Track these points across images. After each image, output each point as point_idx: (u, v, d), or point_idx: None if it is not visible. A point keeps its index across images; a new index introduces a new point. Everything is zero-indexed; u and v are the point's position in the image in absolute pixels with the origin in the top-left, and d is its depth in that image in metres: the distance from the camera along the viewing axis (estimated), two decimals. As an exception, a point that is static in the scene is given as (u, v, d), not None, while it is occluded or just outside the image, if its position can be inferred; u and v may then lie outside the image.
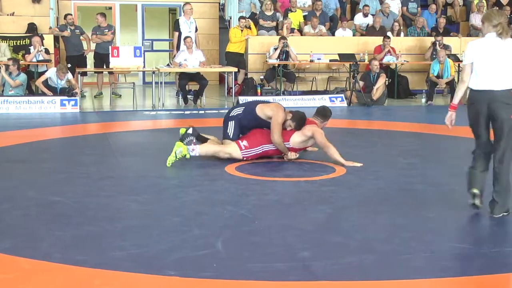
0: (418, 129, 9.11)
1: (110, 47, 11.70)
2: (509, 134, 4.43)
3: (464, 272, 3.52)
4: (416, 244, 3.94)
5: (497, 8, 15.28)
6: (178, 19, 12.91)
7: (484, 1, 15.53)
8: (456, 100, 4.64)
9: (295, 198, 5.16)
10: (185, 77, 11.65)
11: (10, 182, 5.56)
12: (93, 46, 13.00)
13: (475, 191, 4.54)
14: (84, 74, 11.95)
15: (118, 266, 3.52)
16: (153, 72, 11.64)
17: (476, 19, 14.88)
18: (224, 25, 15.44)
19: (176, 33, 12.56)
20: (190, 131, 6.57)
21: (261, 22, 13.79)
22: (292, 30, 13.65)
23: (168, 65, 12.28)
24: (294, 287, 3.31)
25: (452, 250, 3.86)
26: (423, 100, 12.27)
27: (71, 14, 13.13)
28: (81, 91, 11.38)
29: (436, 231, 4.26)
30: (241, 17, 13.39)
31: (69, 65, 11.58)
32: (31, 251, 3.76)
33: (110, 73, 12.45)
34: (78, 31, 12.77)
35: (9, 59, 11.25)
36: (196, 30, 12.71)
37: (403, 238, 4.05)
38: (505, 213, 4.52)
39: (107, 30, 12.69)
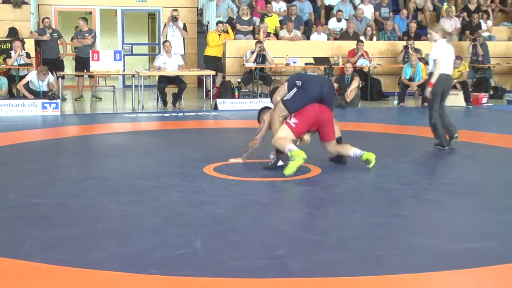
0: (390, 130, 9.26)
1: (90, 51, 11.73)
2: (446, 96, 7.57)
3: (436, 267, 3.56)
4: (390, 241, 4.01)
5: (466, 14, 15.67)
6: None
7: (453, 7, 15.81)
8: (434, 80, 7.35)
9: (272, 197, 5.25)
10: (164, 81, 11.74)
11: (-9, 184, 5.55)
12: (69, 50, 13.00)
13: (456, 134, 7.45)
14: (62, 77, 11.97)
15: (100, 265, 3.52)
16: (133, 76, 11.68)
17: (445, 24, 15.13)
18: (202, 30, 15.51)
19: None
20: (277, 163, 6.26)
21: (238, 26, 13.90)
22: (268, 34, 13.78)
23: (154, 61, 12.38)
24: (272, 284, 3.34)
25: (424, 247, 3.91)
26: (395, 102, 12.46)
27: (49, 18, 13.13)
28: (62, 94, 11.37)
29: (408, 228, 4.37)
30: (219, 22, 13.50)
31: None
32: (13, 252, 3.75)
33: (91, 76, 12.46)
34: (56, 34, 12.80)
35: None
36: (184, 28, 12.92)
37: (377, 235, 4.12)
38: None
39: (87, 34, 12.72)
